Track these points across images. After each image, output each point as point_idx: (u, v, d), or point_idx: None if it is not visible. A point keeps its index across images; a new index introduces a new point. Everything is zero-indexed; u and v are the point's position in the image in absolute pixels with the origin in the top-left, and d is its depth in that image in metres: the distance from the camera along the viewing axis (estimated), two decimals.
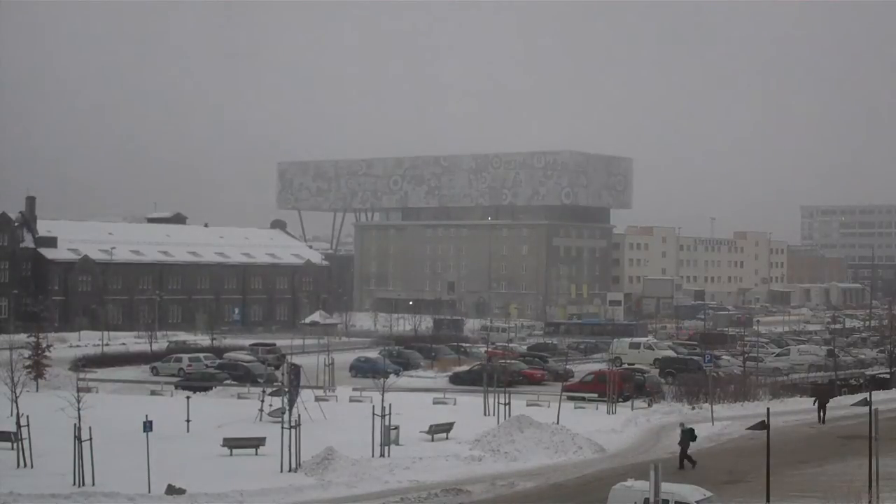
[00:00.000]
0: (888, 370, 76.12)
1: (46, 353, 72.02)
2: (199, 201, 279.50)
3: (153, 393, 68.93)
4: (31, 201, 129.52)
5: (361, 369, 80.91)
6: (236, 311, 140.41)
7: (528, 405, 59.64)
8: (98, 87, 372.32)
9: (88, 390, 47.85)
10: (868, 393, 45.61)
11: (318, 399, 58.59)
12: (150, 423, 38.34)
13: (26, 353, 68.95)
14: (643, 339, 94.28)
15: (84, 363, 77.32)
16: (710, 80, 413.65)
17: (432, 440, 49.40)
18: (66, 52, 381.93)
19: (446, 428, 50.60)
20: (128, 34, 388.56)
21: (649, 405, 62.59)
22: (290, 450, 41.21)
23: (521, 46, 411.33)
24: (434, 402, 62.97)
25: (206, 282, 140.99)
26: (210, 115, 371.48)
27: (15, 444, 42.31)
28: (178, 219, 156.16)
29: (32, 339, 71.86)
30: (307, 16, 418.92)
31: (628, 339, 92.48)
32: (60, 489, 36.89)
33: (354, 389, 67.74)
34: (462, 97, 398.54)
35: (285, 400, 47.04)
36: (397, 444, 46.72)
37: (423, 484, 39.94)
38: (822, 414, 56.42)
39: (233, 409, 59.11)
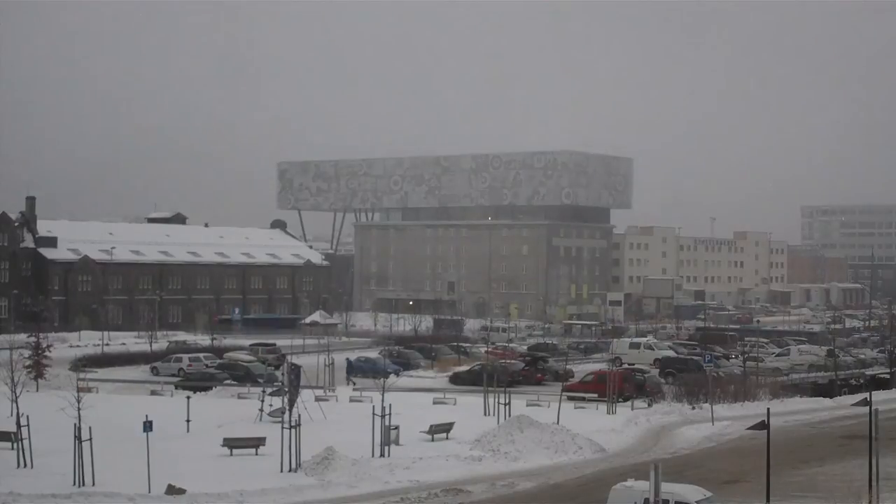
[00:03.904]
0: (888, 370, 76.14)
1: (46, 353, 71.98)
2: (199, 201, 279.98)
3: (153, 393, 68.89)
4: (31, 201, 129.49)
5: (360, 369, 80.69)
6: (236, 311, 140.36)
7: (528, 405, 59.57)
8: (98, 87, 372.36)
9: (88, 390, 47.86)
10: (868, 393, 45.57)
11: (318, 399, 58.56)
12: (150, 423, 38.31)
13: (26, 353, 68.88)
14: (643, 339, 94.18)
15: (84, 363, 77.18)
16: (711, 79, 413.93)
17: (432, 440, 49.36)
18: (66, 53, 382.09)
19: (446, 428, 50.54)
20: (128, 34, 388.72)
21: (649, 405, 62.56)
22: (290, 450, 41.18)
23: (521, 46, 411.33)
24: (434, 402, 62.91)
25: (206, 282, 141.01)
26: (210, 116, 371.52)
27: (15, 444, 42.28)
28: (178, 219, 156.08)
29: (32, 339, 71.84)
30: (307, 16, 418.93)
31: (628, 339, 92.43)
32: (60, 489, 36.88)
33: (354, 389, 67.69)
34: (462, 97, 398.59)
35: (285, 400, 47.02)
36: (397, 444, 46.65)
37: (423, 484, 39.92)
38: None
39: (233, 409, 59.07)
